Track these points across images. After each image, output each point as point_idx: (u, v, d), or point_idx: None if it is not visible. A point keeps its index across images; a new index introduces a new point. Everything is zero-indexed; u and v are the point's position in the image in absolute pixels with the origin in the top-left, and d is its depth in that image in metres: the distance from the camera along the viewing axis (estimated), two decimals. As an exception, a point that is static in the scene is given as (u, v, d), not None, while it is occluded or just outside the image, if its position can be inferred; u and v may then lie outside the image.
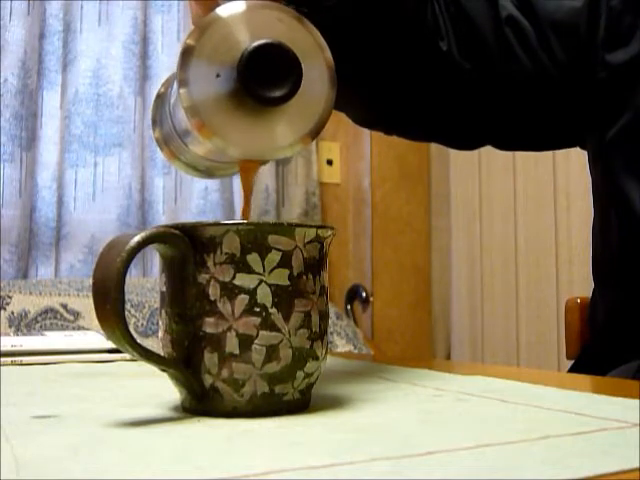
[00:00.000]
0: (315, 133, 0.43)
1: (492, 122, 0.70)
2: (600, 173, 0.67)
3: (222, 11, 0.41)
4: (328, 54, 0.43)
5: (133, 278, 1.68)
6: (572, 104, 0.67)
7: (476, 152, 2.01)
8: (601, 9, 0.63)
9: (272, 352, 0.34)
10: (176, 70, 0.40)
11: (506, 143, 0.75)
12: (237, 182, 1.88)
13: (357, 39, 0.59)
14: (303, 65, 0.40)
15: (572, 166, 1.69)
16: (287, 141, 0.42)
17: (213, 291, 0.34)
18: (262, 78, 0.39)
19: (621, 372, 0.61)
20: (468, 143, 0.76)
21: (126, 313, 0.33)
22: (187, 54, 0.40)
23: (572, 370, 0.68)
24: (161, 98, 0.50)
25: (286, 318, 0.34)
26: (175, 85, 0.45)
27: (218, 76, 0.40)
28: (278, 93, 0.40)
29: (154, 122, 0.51)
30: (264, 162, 0.44)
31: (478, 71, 0.65)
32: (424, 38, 0.63)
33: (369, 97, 0.66)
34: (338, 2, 0.54)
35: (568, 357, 0.85)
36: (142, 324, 1.54)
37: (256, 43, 0.39)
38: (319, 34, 0.43)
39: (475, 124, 0.70)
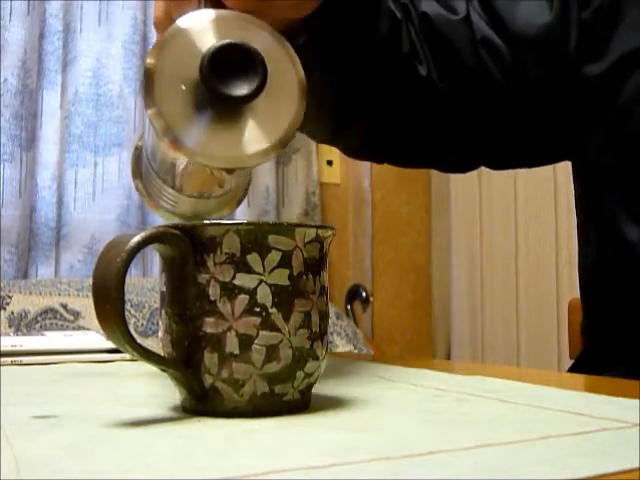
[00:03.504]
0: (285, 141, 0.42)
1: (479, 143, 0.69)
2: (580, 184, 0.67)
3: (183, 21, 0.39)
4: (299, 65, 0.42)
5: (133, 278, 1.68)
6: (553, 120, 0.67)
7: (476, 152, 2.01)
8: (571, 22, 0.63)
9: (272, 352, 0.34)
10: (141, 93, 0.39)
11: (497, 163, 0.74)
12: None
13: (335, 72, 0.58)
14: (273, 73, 0.39)
15: (572, 166, 1.68)
16: (259, 147, 0.41)
17: (213, 291, 0.34)
18: (226, 77, 0.38)
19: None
20: (460, 166, 0.76)
21: (126, 313, 0.33)
22: (149, 75, 0.38)
23: (571, 371, 0.68)
24: (139, 150, 0.50)
25: (286, 318, 0.34)
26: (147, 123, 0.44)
27: (184, 88, 0.39)
28: (244, 91, 0.38)
29: (134, 173, 0.51)
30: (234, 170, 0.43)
31: (458, 94, 0.64)
32: (402, 64, 0.62)
33: (357, 128, 0.66)
34: (309, 39, 0.53)
35: (571, 357, 0.85)
36: (142, 324, 1.54)
37: (218, 44, 0.38)
38: (290, 46, 0.42)
39: (463, 147, 0.70)
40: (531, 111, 0.66)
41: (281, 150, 0.42)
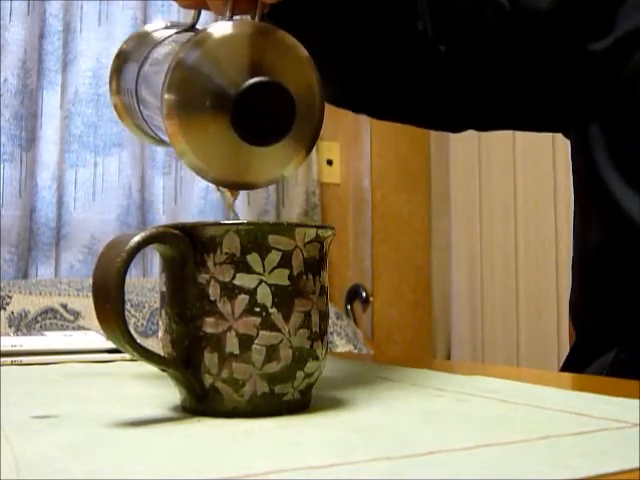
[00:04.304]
0: (296, 168, 0.43)
1: (470, 104, 0.69)
2: (582, 163, 0.67)
3: (215, 29, 0.40)
4: (319, 77, 0.43)
5: (133, 278, 1.68)
6: (551, 92, 0.67)
7: (476, 152, 2.01)
8: None
9: (272, 352, 0.34)
10: (164, 75, 0.40)
11: (486, 124, 0.74)
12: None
13: (331, 15, 0.58)
14: (294, 94, 0.40)
15: (572, 166, 1.68)
16: (273, 170, 0.42)
17: (213, 291, 0.34)
18: (255, 120, 0.39)
19: (597, 366, 0.61)
20: (447, 125, 0.75)
21: (126, 313, 0.33)
22: (179, 67, 0.39)
23: (564, 365, 0.69)
24: (122, 57, 0.50)
25: (286, 318, 0.34)
26: (148, 70, 0.44)
27: (206, 98, 0.39)
28: (270, 138, 0.40)
29: (112, 78, 0.50)
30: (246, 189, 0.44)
31: (453, 52, 0.64)
32: (400, 15, 0.62)
33: (339, 73, 0.65)
34: None
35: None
36: (142, 324, 1.54)
37: (251, 81, 0.39)
38: (294, 40, 0.42)
39: (451, 106, 0.69)
40: (529, 77, 0.66)
41: (298, 167, 0.43)
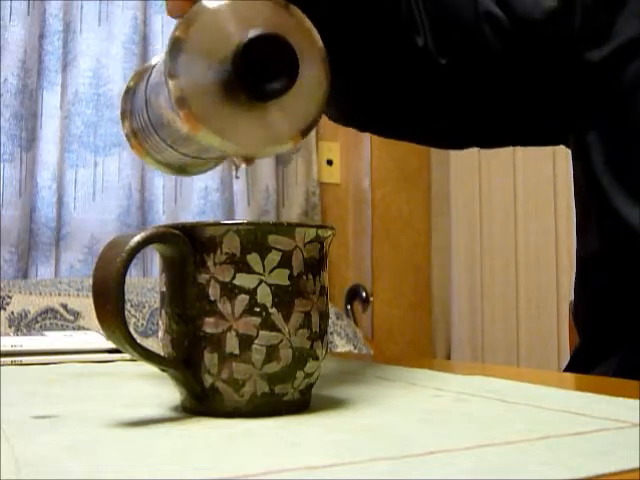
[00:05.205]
0: (308, 130, 0.42)
1: (471, 120, 0.69)
2: (580, 171, 0.67)
3: (208, 2, 0.40)
4: (321, 44, 0.43)
5: (133, 278, 1.68)
6: (550, 104, 0.67)
7: (476, 152, 2.01)
8: (576, 8, 0.63)
9: (272, 352, 0.34)
10: (164, 62, 0.40)
11: (488, 141, 0.74)
12: (237, 182, 1.88)
13: (332, 32, 0.58)
14: (299, 57, 0.39)
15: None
16: (280, 138, 0.41)
17: (213, 291, 0.34)
18: (257, 71, 0.38)
19: (603, 369, 0.61)
20: (449, 143, 0.75)
21: (126, 313, 0.33)
22: (176, 47, 0.39)
23: (567, 369, 0.69)
24: (130, 93, 0.50)
25: (286, 318, 0.34)
26: (154, 78, 0.44)
27: (210, 69, 0.39)
28: (275, 86, 0.39)
29: (124, 116, 0.50)
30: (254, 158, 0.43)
31: (454, 67, 0.64)
32: (399, 32, 0.62)
33: (344, 93, 0.64)
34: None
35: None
36: (142, 324, 1.54)
37: (252, 34, 0.38)
38: (309, 22, 0.42)
39: (454, 123, 0.70)
40: (529, 90, 0.66)
41: (302, 138, 0.42)
